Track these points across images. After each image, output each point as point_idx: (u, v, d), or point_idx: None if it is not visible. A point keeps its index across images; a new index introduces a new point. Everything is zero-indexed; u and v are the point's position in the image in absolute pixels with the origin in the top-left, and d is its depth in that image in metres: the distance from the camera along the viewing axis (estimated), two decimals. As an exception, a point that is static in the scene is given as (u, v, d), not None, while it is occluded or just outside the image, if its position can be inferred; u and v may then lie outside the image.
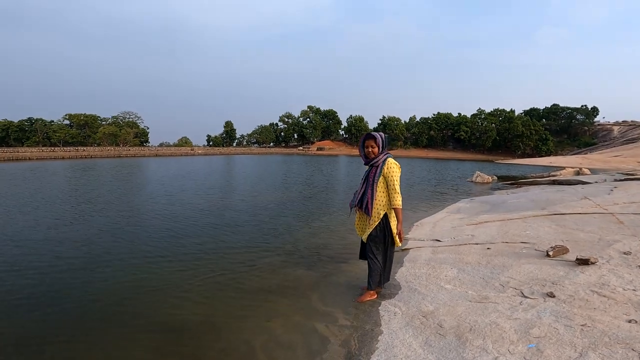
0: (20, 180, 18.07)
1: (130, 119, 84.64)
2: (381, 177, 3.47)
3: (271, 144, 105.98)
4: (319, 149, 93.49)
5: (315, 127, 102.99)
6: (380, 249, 3.56)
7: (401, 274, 4.37)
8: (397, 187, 3.41)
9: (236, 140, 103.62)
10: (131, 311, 3.73)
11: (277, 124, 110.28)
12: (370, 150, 3.53)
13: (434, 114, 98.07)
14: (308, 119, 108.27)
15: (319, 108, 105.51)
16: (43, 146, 58.69)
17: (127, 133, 75.34)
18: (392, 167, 3.44)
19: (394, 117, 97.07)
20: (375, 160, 3.53)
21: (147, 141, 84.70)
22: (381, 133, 3.61)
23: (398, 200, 3.41)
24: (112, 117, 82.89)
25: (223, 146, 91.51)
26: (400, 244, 3.61)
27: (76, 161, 39.35)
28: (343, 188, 16.06)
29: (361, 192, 3.61)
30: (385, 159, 3.51)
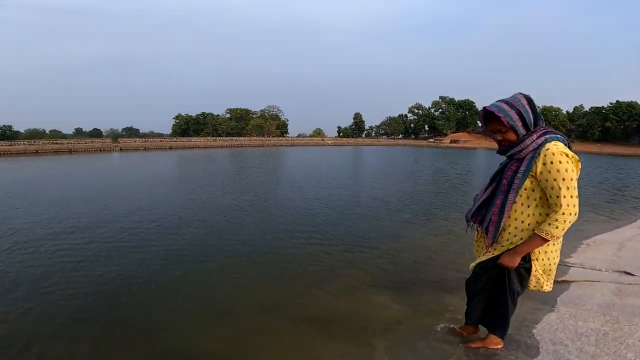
0: (204, 163, 22.56)
1: (274, 112, 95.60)
2: (528, 180, 1.96)
3: (400, 135, 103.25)
4: (453, 141, 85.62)
5: (449, 118, 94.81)
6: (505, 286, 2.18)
7: (547, 325, 2.73)
8: (570, 201, 1.83)
9: (365, 132, 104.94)
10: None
11: (406, 116, 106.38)
12: (500, 137, 2.07)
13: (610, 103, 76.99)
14: (440, 110, 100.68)
15: (453, 98, 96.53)
16: (212, 136, 72.15)
17: (271, 125, 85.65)
18: (560, 163, 1.83)
19: (552, 106, 79.95)
20: (517, 149, 2.01)
21: (286, 132, 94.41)
22: (515, 98, 1.97)
23: (561, 226, 1.85)
24: (260, 110, 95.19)
25: (352, 137, 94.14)
26: (549, 288, 2.15)
27: (231, 149, 47.05)
28: (479, 183, 13.78)
29: (482, 199, 2.24)
30: (541, 146, 1.93)
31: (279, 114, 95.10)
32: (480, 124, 2.18)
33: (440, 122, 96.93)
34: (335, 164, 23.35)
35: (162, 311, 3.47)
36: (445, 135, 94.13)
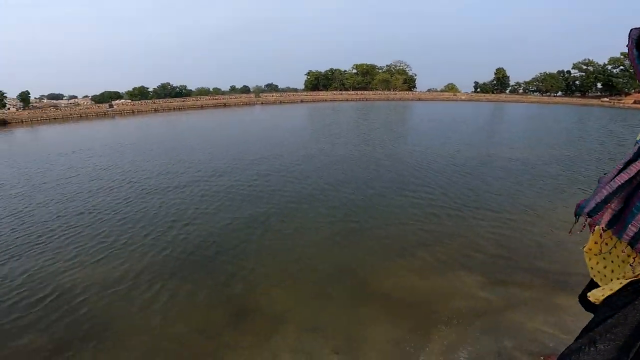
0: (327, 114, 23.76)
1: (401, 67, 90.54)
2: None
3: (559, 93, 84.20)
4: (638, 101, 64.73)
5: (633, 76, 71.30)
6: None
7: None
8: None
9: (509, 88, 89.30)
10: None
11: (568, 72, 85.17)
12: None
13: None
14: (622, 67, 76.88)
15: (640, 55, 70.98)
16: (339, 90, 73.65)
17: (397, 79, 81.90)
18: None
19: None
20: None
21: (414, 87, 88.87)
22: None
23: None
24: (386, 65, 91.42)
25: (492, 93, 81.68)
26: None
27: (357, 102, 47.27)
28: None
29: (620, 186, 1.28)
30: None
31: (406, 69, 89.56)
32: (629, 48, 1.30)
33: (620, 80, 74.66)
34: (465, 120, 20.86)
35: (245, 259, 3.91)
36: (627, 94, 71.83)
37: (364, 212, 5.12)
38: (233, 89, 75.58)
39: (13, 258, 4.27)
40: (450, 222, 4.60)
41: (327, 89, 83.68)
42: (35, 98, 51.43)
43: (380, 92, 70.77)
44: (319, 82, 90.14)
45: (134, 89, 58.87)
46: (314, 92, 67.22)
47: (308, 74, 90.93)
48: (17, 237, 4.88)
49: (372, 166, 7.95)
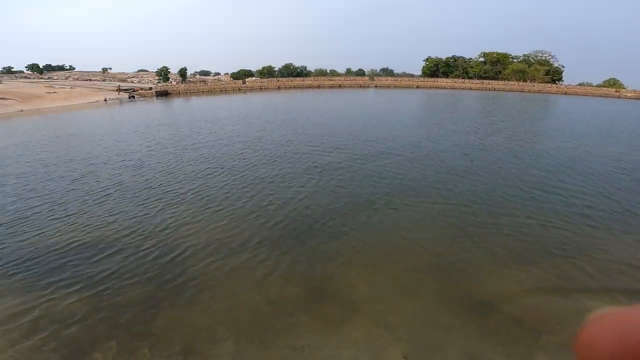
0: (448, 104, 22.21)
1: (542, 58, 77.09)
2: None
3: None
4: None
5: None
6: None
7: None
8: None
9: None
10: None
11: None
12: None
13: None
14: None
15: None
16: (461, 79, 67.52)
17: (537, 70, 70.13)
18: None
19: None
20: None
21: (560, 79, 75.00)
22: None
23: None
24: (524, 55, 79.03)
25: (676, 90, 62.52)
26: None
27: (482, 92, 42.41)
28: None
29: None
30: None
31: (551, 60, 75.61)
32: None
33: None
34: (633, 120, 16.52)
35: (341, 242, 3.85)
36: None
37: (487, 206, 4.57)
38: (349, 72, 76.84)
39: (161, 211, 5.21)
40: (599, 233, 3.71)
41: (447, 76, 77.51)
42: (190, 74, 61.94)
43: (513, 82, 61.87)
44: (439, 68, 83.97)
45: (263, 68, 65.45)
46: (432, 79, 63.05)
47: (427, 60, 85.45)
48: (160, 193, 5.96)
49: (508, 158, 7.00)
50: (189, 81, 54.10)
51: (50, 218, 4.71)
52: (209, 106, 23.44)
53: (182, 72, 55.96)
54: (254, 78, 56.31)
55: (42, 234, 4.24)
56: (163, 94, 36.89)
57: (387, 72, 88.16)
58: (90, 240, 4.08)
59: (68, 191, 5.77)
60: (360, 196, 5.20)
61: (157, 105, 26.18)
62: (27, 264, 3.62)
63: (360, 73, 74.29)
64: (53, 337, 2.63)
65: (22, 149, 9.43)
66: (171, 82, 48.28)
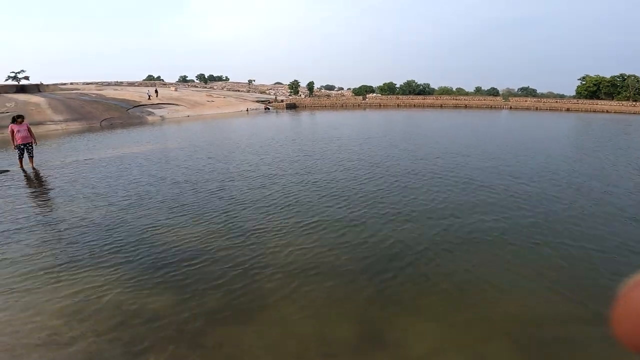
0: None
1: None
2: None
3: None
4: None
5: None
6: None
7: None
8: None
9: None
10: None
11: None
12: None
13: None
14: None
15: None
16: (632, 101, 54.12)
17: None
18: None
19: None
20: None
21: None
22: None
23: None
24: None
25: None
26: None
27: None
28: None
29: None
30: None
31: None
32: None
33: None
34: None
35: (419, 279, 3.20)
36: None
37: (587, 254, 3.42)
38: (478, 91, 70.22)
39: (255, 222, 5.64)
40: None
41: (611, 98, 63.22)
42: (316, 88, 67.21)
43: None
44: (600, 89, 69.36)
45: (384, 84, 65.93)
46: (589, 101, 52.15)
47: (583, 78, 71.42)
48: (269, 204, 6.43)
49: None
50: (315, 95, 58.56)
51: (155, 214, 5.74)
52: (331, 121, 24.86)
53: (310, 86, 61.10)
54: (374, 94, 57.22)
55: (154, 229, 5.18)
56: (292, 107, 41.02)
57: (527, 91, 77.16)
58: (185, 242, 4.75)
59: (177, 194, 6.90)
60: (471, 232, 4.65)
61: (286, 117, 29.22)
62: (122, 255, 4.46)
63: (493, 92, 67.10)
64: (118, 330, 3.06)
65: (191, 151, 11.79)
66: (300, 96, 53.17)
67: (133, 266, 4.11)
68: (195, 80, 78.07)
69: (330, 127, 19.67)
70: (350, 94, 63.48)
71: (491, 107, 43.76)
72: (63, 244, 4.68)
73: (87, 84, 49.64)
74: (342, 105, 43.68)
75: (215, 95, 42.27)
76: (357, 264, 4.14)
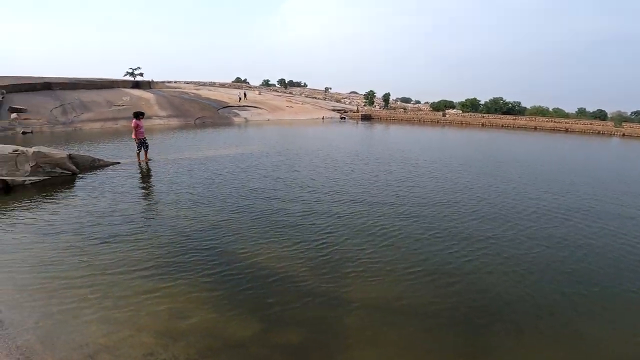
0: None
1: None
2: None
3: None
4: None
5: None
6: None
7: None
8: None
9: None
10: None
11: None
12: None
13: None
14: None
15: None
16: None
17: None
18: None
19: None
20: None
21: None
22: None
23: None
24: None
25: None
26: None
27: None
28: None
29: None
30: None
31: None
32: None
33: None
34: None
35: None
36: None
37: None
38: (581, 112, 61.58)
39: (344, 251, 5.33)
40: None
41: None
42: (392, 100, 65.84)
43: None
44: None
45: (467, 100, 61.68)
46: None
47: None
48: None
49: None
50: (391, 107, 57.41)
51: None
52: (411, 138, 23.96)
53: (386, 98, 60.08)
54: (454, 110, 53.96)
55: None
56: (367, 118, 40.70)
57: (644, 117, 65.37)
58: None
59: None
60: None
61: (362, 129, 29.02)
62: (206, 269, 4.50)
63: (600, 115, 58.40)
64: (207, 357, 3.10)
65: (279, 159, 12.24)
66: (375, 107, 52.59)
67: (225, 286, 4.18)
68: (276, 85, 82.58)
69: (412, 144, 18.85)
70: (428, 108, 60.84)
71: (599, 132, 37.98)
72: (163, 252, 4.96)
73: (187, 83, 55.66)
74: (420, 120, 41.96)
75: (294, 101, 44.04)
76: (455, 318, 3.71)
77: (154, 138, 16.21)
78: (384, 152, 14.87)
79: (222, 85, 61.01)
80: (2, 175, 7.95)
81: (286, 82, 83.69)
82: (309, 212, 6.69)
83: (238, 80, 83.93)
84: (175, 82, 54.24)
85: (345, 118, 38.86)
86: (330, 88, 77.80)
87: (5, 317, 3.36)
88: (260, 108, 35.90)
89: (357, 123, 34.71)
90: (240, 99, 36.78)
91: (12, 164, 8.36)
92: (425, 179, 10.06)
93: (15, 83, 25.47)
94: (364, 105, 53.54)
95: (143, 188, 8.34)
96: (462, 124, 41.02)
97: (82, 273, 4.24)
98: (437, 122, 41.56)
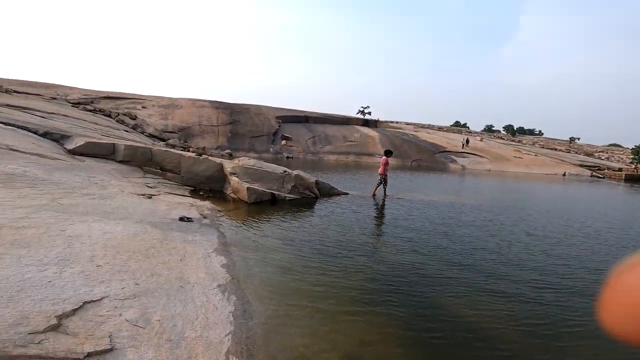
0: None
1: None
2: None
3: None
4: None
5: None
6: None
7: None
8: None
9: None
10: None
11: None
12: None
13: None
14: None
15: None
16: None
17: None
18: None
19: None
20: None
21: None
22: None
23: None
24: None
25: None
26: None
27: None
28: None
29: None
30: None
31: None
32: None
33: None
34: None
35: None
36: None
37: None
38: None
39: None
40: None
41: None
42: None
43: None
44: None
45: None
46: None
47: None
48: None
49: None
50: None
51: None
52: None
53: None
54: None
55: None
56: (634, 179, 29.53)
57: None
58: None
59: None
60: None
61: (624, 193, 21.07)
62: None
63: None
64: None
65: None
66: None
67: (420, 327, 3.65)
68: (502, 132, 74.43)
69: None
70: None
71: None
72: (375, 285, 4.82)
73: (407, 124, 59.18)
74: None
75: (524, 151, 37.92)
76: None
77: (372, 175, 17.70)
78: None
79: (441, 128, 60.87)
80: (272, 190, 10.57)
81: (514, 129, 74.09)
82: (547, 288, 5.01)
83: (457, 124, 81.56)
84: (396, 122, 58.67)
85: (599, 176, 29.72)
86: (578, 138, 62.45)
87: (254, 310, 4.00)
88: (480, 156, 33.03)
89: (618, 185, 25.68)
90: (463, 145, 35.26)
91: (280, 182, 10.99)
92: None
93: (287, 115, 34.49)
94: (630, 163, 39.43)
95: (372, 219, 8.94)
96: None
97: (307, 283, 4.66)
98: None
